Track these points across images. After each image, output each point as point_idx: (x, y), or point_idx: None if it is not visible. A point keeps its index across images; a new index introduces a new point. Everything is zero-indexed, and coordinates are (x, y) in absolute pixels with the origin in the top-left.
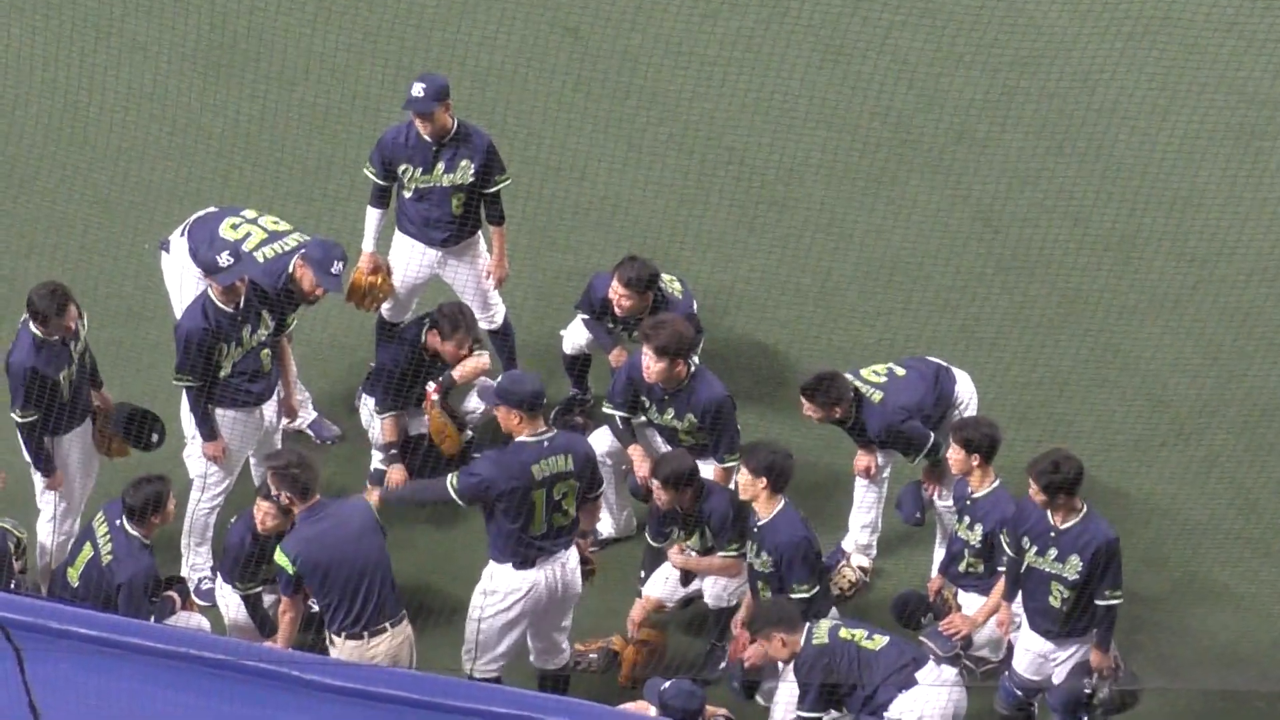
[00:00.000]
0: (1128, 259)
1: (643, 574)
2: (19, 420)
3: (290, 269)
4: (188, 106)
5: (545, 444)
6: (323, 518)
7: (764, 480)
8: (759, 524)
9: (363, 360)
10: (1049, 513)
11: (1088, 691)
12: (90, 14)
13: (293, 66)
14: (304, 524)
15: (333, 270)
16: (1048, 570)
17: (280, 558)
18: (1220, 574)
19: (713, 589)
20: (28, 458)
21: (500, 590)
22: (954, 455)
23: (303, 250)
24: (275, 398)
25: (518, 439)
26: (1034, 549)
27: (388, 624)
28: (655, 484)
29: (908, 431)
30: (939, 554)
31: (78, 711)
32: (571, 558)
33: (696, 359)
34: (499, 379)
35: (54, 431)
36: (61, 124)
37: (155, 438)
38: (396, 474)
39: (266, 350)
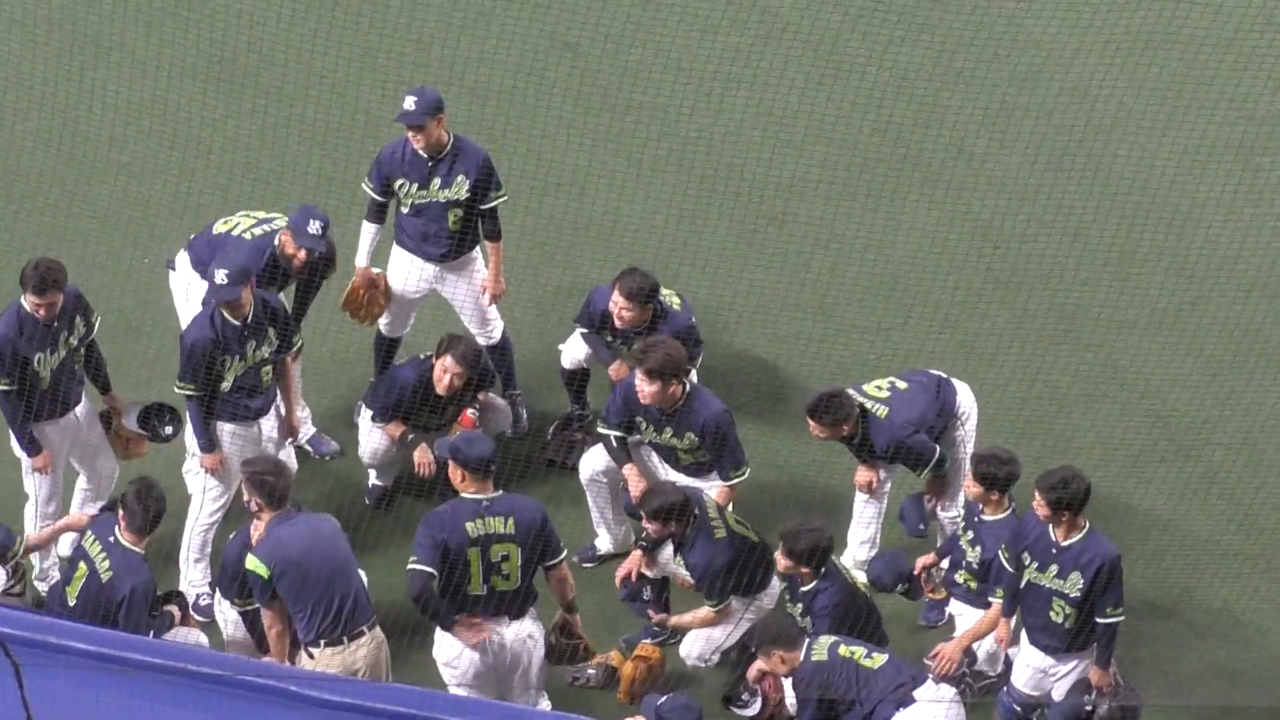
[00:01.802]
0: (1127, 275)
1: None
2: None
3: (277, 243)
4: (187, 122)
5: (485, 503)
6: (293, 523)
7: (806, 568)
8: (803, 589)
9: (363, 376)
10: (1051, 529)
11: (1088, 708)
12: (90, 29)
13: (293, 82)
14: (275, 528)
15: (309, 229)
16: (1048, 586)
17: (253, 564)
18: (1219, 589)
19: (694, 648)
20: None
21: (443, 645)
22: (972, 489)
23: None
24: (274, 413)
25: (459, 496)
26: (1034, 565)
27: (365, 628)
28: (643, 514)
29: (914, 445)
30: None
31: None
32: (519, 629)
33: (694, 375)
34: (454, 436)
35: (31, 415)
36: (61, 139)
37: (169, 429)
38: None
39: (268, 367)
